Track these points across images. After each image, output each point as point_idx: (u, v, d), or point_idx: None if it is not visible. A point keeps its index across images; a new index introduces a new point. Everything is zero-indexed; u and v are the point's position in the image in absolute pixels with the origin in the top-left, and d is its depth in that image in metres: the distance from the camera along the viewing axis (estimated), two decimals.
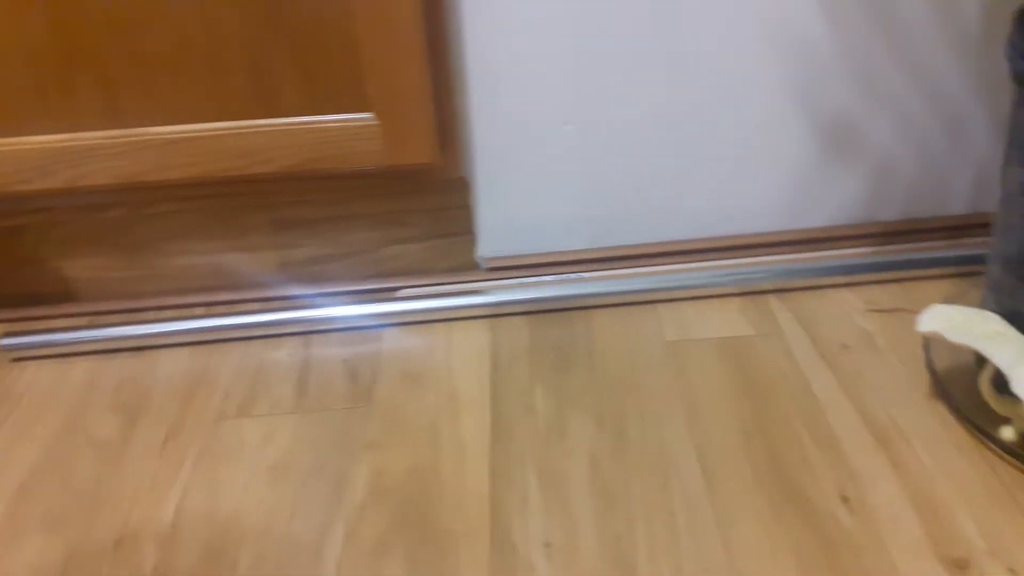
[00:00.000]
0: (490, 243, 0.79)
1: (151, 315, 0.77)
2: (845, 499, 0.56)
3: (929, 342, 0.66)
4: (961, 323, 0.57)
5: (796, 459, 0.59)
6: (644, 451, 0.61)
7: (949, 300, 0.68)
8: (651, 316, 0.74)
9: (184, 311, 0.78)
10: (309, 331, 0.75)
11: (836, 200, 0.77)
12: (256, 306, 0.77)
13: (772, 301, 0.74)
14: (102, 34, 0.67)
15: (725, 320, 0.73)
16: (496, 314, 0.75)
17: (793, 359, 0.68)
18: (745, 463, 0.59)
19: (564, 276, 0.77)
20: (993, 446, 0.58)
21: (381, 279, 0.79)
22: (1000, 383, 0.58)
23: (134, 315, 0.78)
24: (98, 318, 0.78)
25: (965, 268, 0.74)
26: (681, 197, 0.77)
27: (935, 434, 0.60)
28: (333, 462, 0.62)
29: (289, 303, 0.77)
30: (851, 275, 0.74)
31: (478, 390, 0.67)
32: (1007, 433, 0.57)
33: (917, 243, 0.76)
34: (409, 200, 0.76)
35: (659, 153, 0.75)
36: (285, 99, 0.70)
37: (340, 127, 0.71)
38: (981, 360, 0.59)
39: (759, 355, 0.69)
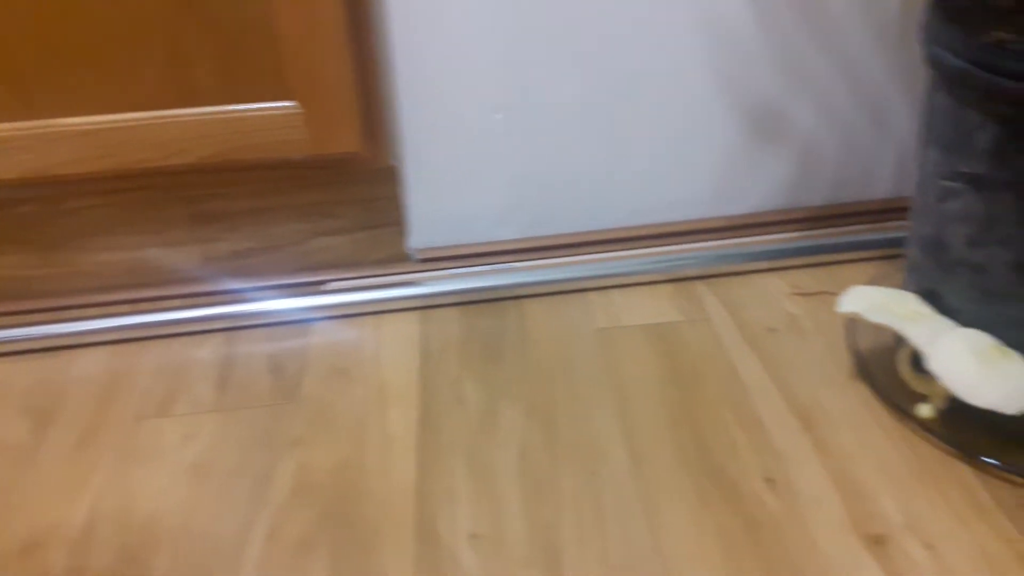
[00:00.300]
0: (421, 234, 0.78)
1: (68, 314, 0.74)
2: (770, 481, 0.57)
3: (852, 324, 0.67)
4: (880, 304, 0.58)
5: (722, 443, 0.60)
6: (574, 440, 0.61)
7: (872, 282, 0.69)
8: (582, 304, 0.74)
9: (103, 309, 0.75)
10: (234, 327, 0.73)
11: (763, 186, 0.78)
12: (178, 303, 0.75)
13: (700, 287, 0.75)
14: (7, 22, 0.64)
15: (655, 307, 0.73)
16: (427, 306, 0.74)
17: (720, 344, 0.69)
18: (672, 448, 0.60)
19: (496, 266, 0.77)
20: (912, 424, 0.59)
21: (309, 272, 0.77)
22: (918, 362, 0.59)
23: (49, 315, 0.75)
24: (10, 318, 0.75)
25: (887, 251, 0.76)
26: (612, 185, 0.77)
27: (857, 414, 0.61)
28: (256, 460, 0.60)
29: (213, 299, 0.74)
30: (777, 260, 0.75)
31: (407, 383, 0.66)
32: (925, 411, 0.58)
33: (841, 227, 0.77)
34: (336, 191, 0.75)
35: (589, 141, 0.75)
36: (203, 88, 0.68)
37: (261, 116, 0.69)
38: (900, 340, 0.60)
39: (687, 341, 0.69)
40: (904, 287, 0.63)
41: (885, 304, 0.57)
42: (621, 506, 0.56)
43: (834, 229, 0.76)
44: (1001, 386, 0.51)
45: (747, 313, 0.72)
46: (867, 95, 0.75)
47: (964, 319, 0.56)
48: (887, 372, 0.62)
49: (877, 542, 0.52)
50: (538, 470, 0.58)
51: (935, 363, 0.53)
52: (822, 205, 0.78)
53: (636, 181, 0.77)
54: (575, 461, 0.59)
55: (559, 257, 0.77)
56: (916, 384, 0.59)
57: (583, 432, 0.61)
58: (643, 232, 0.77)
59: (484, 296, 0.74)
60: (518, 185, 0.76)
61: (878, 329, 0.61)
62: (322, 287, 0.76)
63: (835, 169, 0.78)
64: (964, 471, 0.56)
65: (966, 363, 0.52)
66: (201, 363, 0.69)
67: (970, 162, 0.52)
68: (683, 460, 0.59)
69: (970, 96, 0.50)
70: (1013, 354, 0.53)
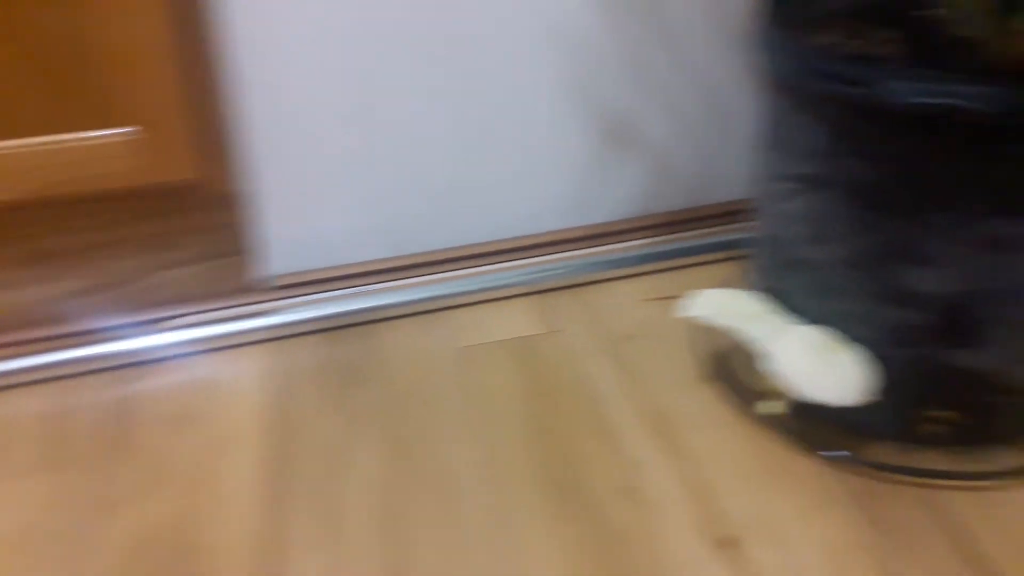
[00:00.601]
0: (278, 259, 0.75)
1: None
2: (622, 490, 0.57)
3: (705, 326, 0.68)
4: (723, 306, 0.59)
5: (580, 456, 0.60)
6: (431, 467, 0.59)
7: (724, 283, 0.71)
8: (446, 323, 0.73)
9: None
10: (69, 374, 0.68)
11: (619, 194, 0.79)
12: (11, 351, 0.70)
13: (562, 298, 0.75)
14: None
15: (517, 321, 0.73)
16: (283, 336, 0.71)
17: (579, 354, 0.69)
18: (531, 466, 0.59)
19: (358, 289, 0.75)
20: (761, 422, 0.61)
21: (151, 309, 0.72)
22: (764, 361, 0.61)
23: None
24: None
25: (739, 252, 0.78)
26: (473, 199, 0.76)
27: (709, 416, 0.62)
28: (82, 523, 0.56)
29: (48, 344, 0.69)
30: (635, 266, 0.76)
31: (256, 423, 0.63)
32: (770, 408, 0.60)
33: (695, 231, 0.78)
34: (178, 220, 0.71)
35: (446, 157, 0.74)
36: (25, 119, 0.64)
37: (90, 145, 0.65)
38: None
39: (548, 353, 0.69)
40: (750, 286, 0.65)
41: (728, 306, 0.58)
42: (479, 533, 0.55)
43: (688, 233, 0.78)
44: (838, 380, 0.53)
45: (606, 322, 0.72)
46: (715, 101, 0.77)
47: (805, 316, 0.57)
48: (737, 372, 0.63)
49: (726, 544, 0.53)
50: (394, 506, 0.57)
51: (775, 362, 0.55)
52: (676, 210, 0.80)
53: (496, 194, 0.77)
54: (432, 489, 0.58)
55: (423, 276, 0.75)
56: (763, 383, 0.60)
57: (442, 459, 0.60)
58: (506, 246, 0.77)
59: (345, 321, 0.72)
60: (377, 203, 0.74)
61: (727, 330, 0.63)
62: (166, 324, 0.72)
63: (688, 174, 0.80)
64: (811, 464, 0.58)
65: (804, 360, 0.54)
66: (24, 419, 0.64)
67: (804, 163, 0.53)
68: (542, 477, 0.58)
69: (801, 99, 0.52)
70: (848, 348, 0.54)
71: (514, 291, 0.74)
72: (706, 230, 0.77)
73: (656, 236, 0.78)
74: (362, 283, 0.74)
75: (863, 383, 0.53)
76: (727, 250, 0.77)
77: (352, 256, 0.75)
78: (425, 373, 0.67)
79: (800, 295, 0.57)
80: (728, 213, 0.78)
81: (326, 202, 0.73)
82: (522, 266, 0.75)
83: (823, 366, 0.53)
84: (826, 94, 0.48)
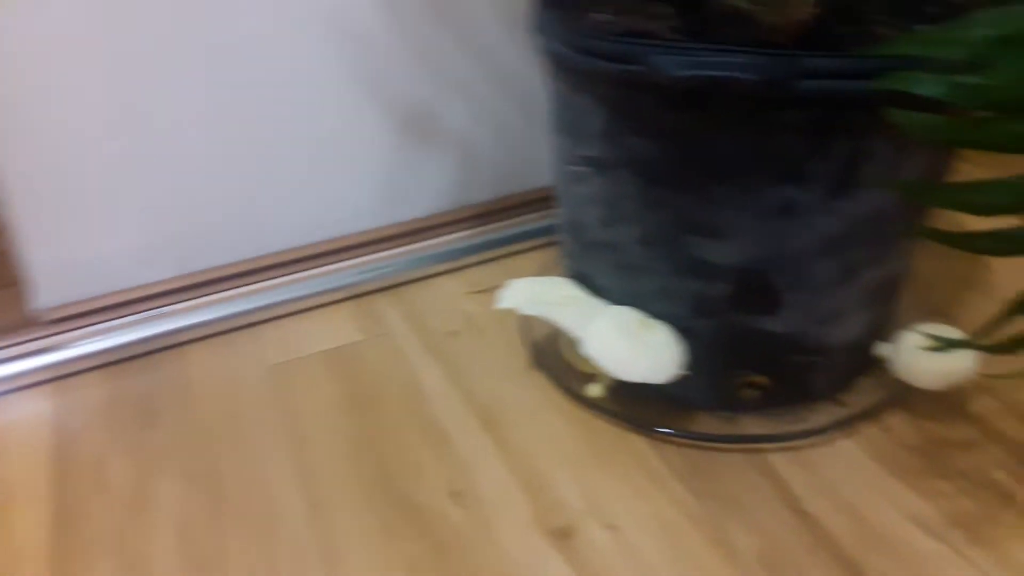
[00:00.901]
0: (49, 291, 0.66)
1: None
2: (455, 494, 0.54)
3: (526, 315, 0.67)
4: (535, 294, 0.57)
5: (406, 465, 0.57)
6: (243, 502, 0.54)
7: (544, 271, 0.70)
8: (254, 341, 0.67)
9: None
10: None
11: (429, 188, 0.76)
12: None
13: (380, 300, 0.72)
14: None
15: (333, 330, 0.69)
16: (62, 375, 0.63)
17: (402, 357, 0.66)
18: (354, 484, 0.55)
19: (147, 314, 0.67)
20: (586, 406, 0.60)
21: None
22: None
23: None
24: None
25: (553, 239, 0.78)
26: (267, 205, 0.70)
27: (536, 405, 0.61)
28: None
29: None
30: (453, 261, 0.73)
31: (43, 473, 0.56)
32: (594, 391, 0.59)
33: (509, 220, 0.77)
34: None
35: (231, 161, 0.68)
36: None
37: None
38: None
39: (368, 361, 0.65)
40: (562, 273, 0.64)
41: (539, 294, 0.57)
42: (298, 563, 0.50)
43: (505, 223, 0.76)
44: (648, 358, 0.53)
45: (428, 320, 0.69)
46: (512, 86, 0.75)
47: (612, 298, 0.57)
48: (560, 358, 0.62)
49: (562, 535, 0.52)
50: (202, 547, 0.51)
51: (588, 345, 0.54)
52: (490, 200, 0.78)
53: (294, 198, 0.71)
54: (245, 525, 0.53)
55: (221, 293, 0.69)
56: (584, 366, 0.59)
57: (254, 490, 0.55)
58: (313, 251, 0.72)
59: (135, 351, 0.65)
60: (157, 218, 0.67)
61: None
62: None
63: (496, 163, 0.78)
64: (638, 443, 0.58)
65: (614, 341, 0.53)
66: None
67: (588, 146, 0.52)
68: (366, 494, 0.55)
69: (577, 81, 0.51)
70: (657, 325, 0.55)
71: (328, 298, 0.70)
72: (522, 218, 0.76)
73: (473, 228, 0.76)
74: (150, 307, 0.67)
75: (674, 358, 0.53)
76: (545, 236, 0.76)
77: (135, 279, 0.68)
78: (232, 398, 0.62)
79: (605, 277, 0.57)
80: (543, 199, 0.78)
81: (95, 222, 0.65)
82: (334, 271, 0.71)
83: (633, 346, 0.53)
84: (600, 73, 0.47)
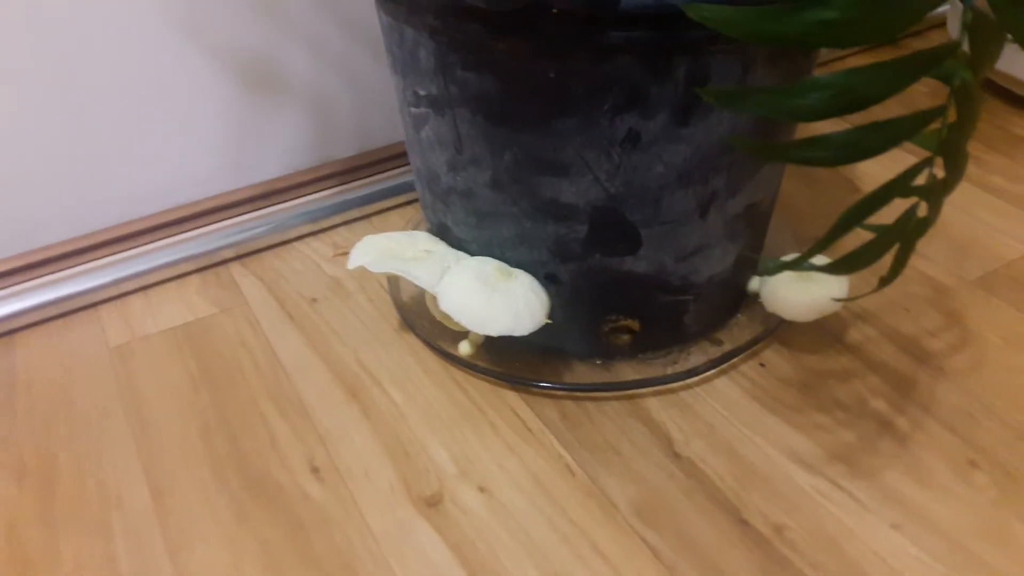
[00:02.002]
0: None
1: None
2: (315, 469, 0.51)
3: (395, 275, 0.63)
4: (389, 250, 0.53)
5: (262, 443, 0.52)
6: (78, 496, 0.50)
7: (412, 226, 0.67)
8: (92, 323, 0.62)
9: None
10: None
11: (282, 145, 0.70)
12: None
13: (235, 269, 0.66)
14: None
15: (181, 305, 0.63)
16: None
17: (258, 329, 0.61)
18: (204, 467, 0.51)
19: None
20: (457, 365, 0.57)
21: None
22: None
23: None
24: None
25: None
26: (94, 177, 0.64)
27: (406, 368, 0.57)
28: None
29: None
30: (315, 222, 0.68)
31: None
32: (465, 349, 0.56)
33: (375, 175, 0.72)
34: None
35: (45, 128, 0.61)
36: None
37: None
38: None
39: (221, 335, 0.60)
40: (424, 226, 0.60)
41: (392, 250, 0.53)
42: (140, 559, 0.46)
43: (368, 179, 0.71)
44: (508, 309, 0.50)
45: (287, 287, 0.65)
46: (362, 34, 0.69)
47: (471, 248, 0.53)
48: (431, 319, 0.59)
49: (431, 503, 0.49)
50: (31, 547, 0.46)
51: (444, 301, 0.51)
52: (352, 156, 0.73)
53: (125, 165, 0.64)
54: (81, 520, 0.48)
55: (53, 273, 0.63)
56: (451, 323, 0.56)
57: (91, 482, 0.50)
58: (154, 222, 0.66)
59: None
60: None
61: None
62: None
63: (355, 115, 0.73)
64: (512, 400, 0.55)
65: (471, 295, 0.50)
66: None
67: (423, 83, 0.48)
68: (217, 476, 0.50)
69: (400, 11, 0.46)
70: (516, 273, 0.52)
71: (175, 271, 0.64)
72: (389, 173, 0.71)
73: (335, 186, 0.71)
74: None
75: (538, 307, 0.50)
76: (411, 191, 0.71)
77: None
78: (67, 386, 0.56)
79: (461, 227, 0.53)
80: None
81: None
82: (180, 242, 0.65)
83: (492, 298, 0.49)
84: (419, 3, 0.43)
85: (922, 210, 0.37)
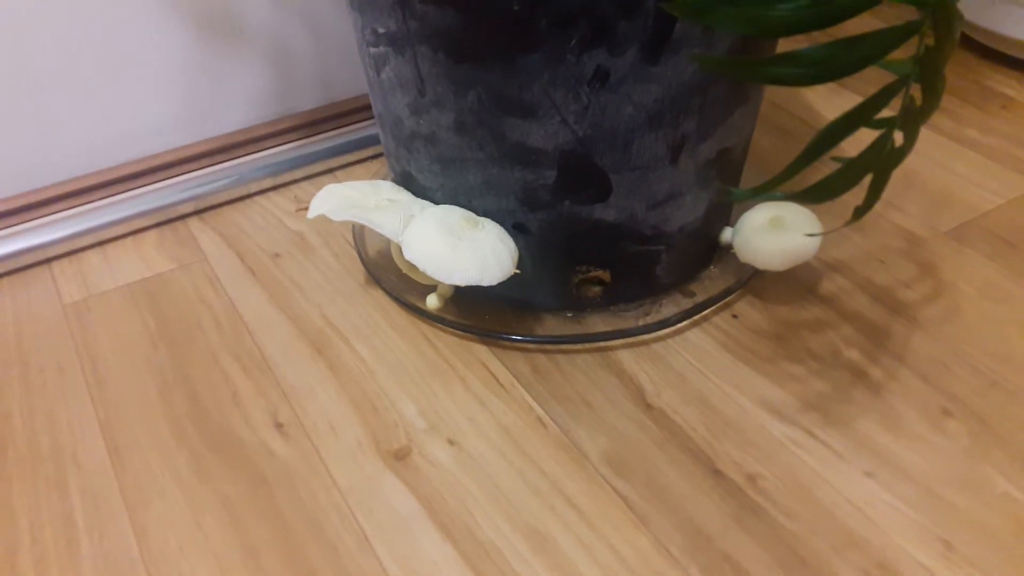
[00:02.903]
0: None
1: None
2: (279, 425, 0.49)
3: (359, 228, 0.61)
4: (351, 199, 0.52)
5: (223, 399, 0.51)
6: (32, 451, 0.48)
7: (379, 178, 0.65)
8: (46, 279, 0.59)
9: None
10: None
11: (242, 97, 0.68)
12: None
13: (194, 224, 0.64)
14: None
15: (139, 260, 0.61)
16: None
17: (218, 285, 0.59)
18: (163, 424, 0.49)
19: None
20: (426, 319, 0.56)
21: None
22: None
23: None
24: None
25: None
26: (46, 129, 0.61)
27: (372, 323, 0.56)
28: None
29: None
30: (277, 176, 0.66)
31: None
32: (432, 301, 0.55)
33: (339, 128, 0.69)
34: None
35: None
36: None
37: None
38: None
39: (179, 291, 0.58)
40: (388, 175, 0.58)
41: (354, 199, 0.51)
42: (97, 515, 0.45)
43: (332, 132, 0.69)
44: (475, 258, 0.48)
45: (248, 242, 0.63)
46: None
47: (437, 197, 0.52)
48: (396, 272, 0.57)
49: (399, 457, 0.48)
50: None
51: (409, 250, 0.49)
52: (315, 108, 0.70)
53: (78, 117, 0.62)
54: (35, 477, 0.46)
55: (5, 228, 0.60)
56: (419, 276, 0.55)
57: (45, 440, 0.49)
58: (110, 176, 0.63)
59: None
60: None
61: None
62: None
63: (316, 66, 0.70)
64: (481, 353, 0.54)
65: (436, 243, 0.48)
66: None
67: (381, 19, 0.46)
68: (177, 433, 0.49)
69: None
70: (483, 222, 0.50)
71: (132, 226, 0.62)
72: (354, 126, 0.69)
73: (297, 139, 0.68)
74: None
75: (506, 257, 0.49)
76: (377, 144, 0.69)
77: None
78: (20, 344, 0.54)
79: (426, 174, 0.51)
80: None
81: None
82: (138, 196, 0.62)
83: (458, 247, 0.48)
84: None
85: (897, 140, 0.36)
